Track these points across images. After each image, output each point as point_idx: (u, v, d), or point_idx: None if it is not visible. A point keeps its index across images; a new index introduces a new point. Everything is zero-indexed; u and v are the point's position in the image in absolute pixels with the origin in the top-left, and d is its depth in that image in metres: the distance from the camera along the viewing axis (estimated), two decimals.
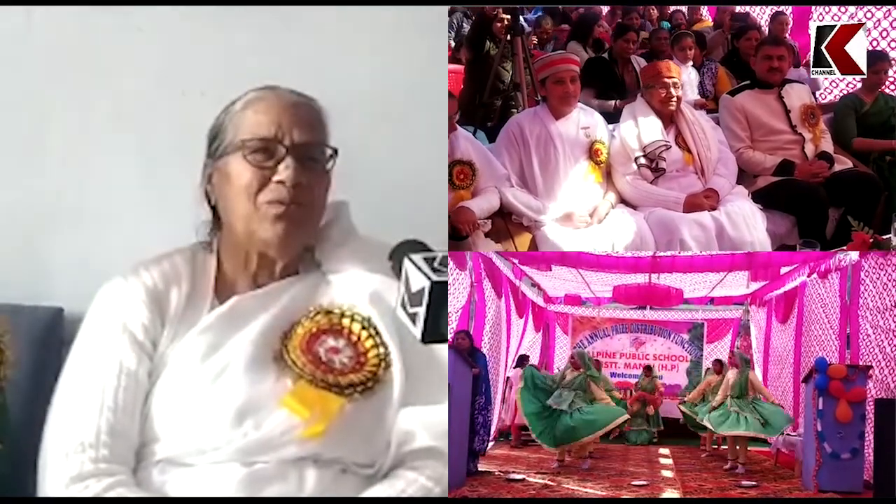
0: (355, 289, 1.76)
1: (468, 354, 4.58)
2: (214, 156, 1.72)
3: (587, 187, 3.53)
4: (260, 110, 1.69)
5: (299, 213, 1.67)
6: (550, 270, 6.21)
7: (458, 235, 3.18)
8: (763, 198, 3.58)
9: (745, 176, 3.70)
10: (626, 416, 5.45)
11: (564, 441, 5.03)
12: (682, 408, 6.63)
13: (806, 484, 4.21)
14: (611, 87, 4.46)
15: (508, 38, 4.25)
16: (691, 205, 3.43)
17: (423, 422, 1.72)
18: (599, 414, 5.12)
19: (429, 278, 1.38)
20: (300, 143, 1.67)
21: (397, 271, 1.48)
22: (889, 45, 4.22)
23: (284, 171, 1.64)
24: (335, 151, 1.74)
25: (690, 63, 4.64)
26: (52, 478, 1.60)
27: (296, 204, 1.66)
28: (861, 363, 4.24)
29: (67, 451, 1.60)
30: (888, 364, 4.09)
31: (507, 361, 6.61)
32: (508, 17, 4.25)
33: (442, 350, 1.75)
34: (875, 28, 4.17)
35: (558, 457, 5.11)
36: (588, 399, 5.14)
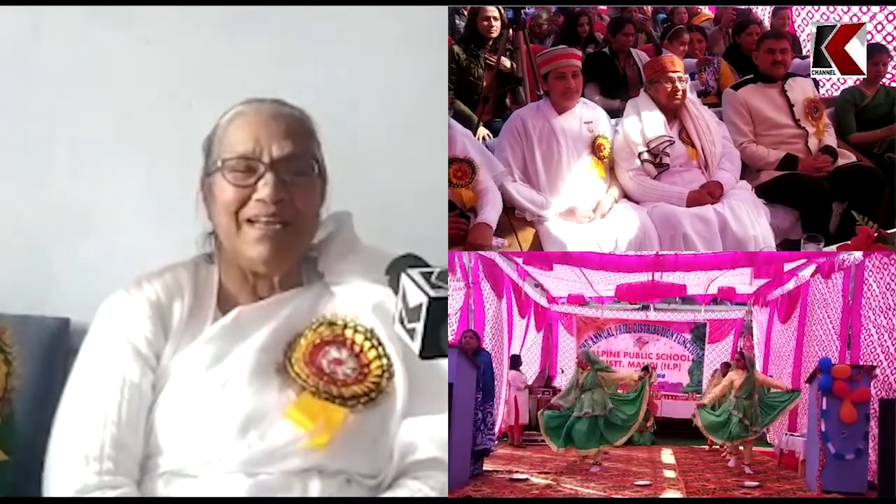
0: (358, 300, 1.75)
1: (474, 354, 4.58)
2: (207, 170, 1.72)
3: (590, 182, 3.53)
4: (239, 126, 1.68)
5: (284, 232, 1.66)
6: (552, 270, 6.20)
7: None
8: (766, 192, 3.59)
9: (748, 170, 3.71)
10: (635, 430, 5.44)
11: (581, 446, 5.04)
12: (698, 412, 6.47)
13: (810, 484, 4.20)
14: (613, 82, 4.45)
15: (495, 34, 4.24)
16: (694, 200, 3.42)
17: (426, 432, 1.73)
18: (620, 428, 5.13)
19: (426, 294, 1.37)
20: (280, 158, 1.65)
21: (395, 286, 1.47)
22: (884, 38, 4.23)
23: (264, 189, 1.62)
24: (318, 161, 1.72)
25: (683, 58, 4.62)
26: (56, 491, 1.61)
27: (280, 222, 1.64)
28: (862, 363, 4.22)
29: (72, 464, 1.60)
30: (890, 364, 4.08)
31: (509, 361, 6.61)
32: (496, 14, 4.24)
33: (443, 361, 1.72)
34: (870, 21, 4.17)
35: (592, 460, 5.11)
36: (605, 393, 5.13)
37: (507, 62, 4.25)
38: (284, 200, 1.64)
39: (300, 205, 1.67)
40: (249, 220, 1.64)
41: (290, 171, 1.66)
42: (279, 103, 1.73)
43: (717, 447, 6.31)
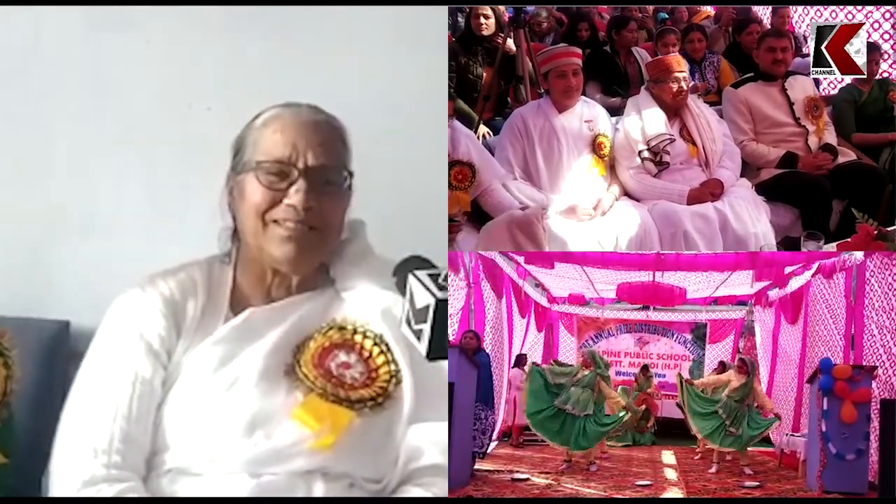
0: (368, 306, 1.75)
1: (473, 354, 4.58)
2: (235, 169, 1.71)
3: (591, 180, 3.54)
4: (277, 129, 1.67)
5: (310, 235, 1.66)
6: (553, 268, 6.20)
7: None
8: (767, 190, 3.60)
9: (748, 168, 3.72)
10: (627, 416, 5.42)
11: (572, 446, 5.03)
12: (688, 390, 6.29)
13: (810, 485, 4.20)
14: (614, 79, 4.45)
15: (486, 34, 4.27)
16: (694, 198, 3.43)
17: (431, 438, 1.73)
18: (606, 423, 5.13)
19: (434, 295, 1.38)
20: (314, 167, 1.65)
21: (401, 287, 1.47)
22: (882, 36, 4.24)
23: (295, 195, 1.63)
24: (350, 174, 1.72)
25: None
26: (62, 482, 1.60)
27: (307, 226, 1.65)
28: (865, 363, 4.22)
29: (80, 456, 1.60)
30: (893, 364, 4.07)
31: (509, 362, 6.61)
32: (488, 13, 4.25)
33: (445, 364, 1.72)
34: (866, 19, 4.18)
35: (566, 457, 5.08)
36: (595, 399, 5.11)
37: (512, 45, 4.21)
38: (314, 208, 1.64)
39: (328, 213, 1.68)
40: (276, 221, 1.64)
41: (321, 180, 1.66)
42: (316, 110, 1.73)
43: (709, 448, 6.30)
